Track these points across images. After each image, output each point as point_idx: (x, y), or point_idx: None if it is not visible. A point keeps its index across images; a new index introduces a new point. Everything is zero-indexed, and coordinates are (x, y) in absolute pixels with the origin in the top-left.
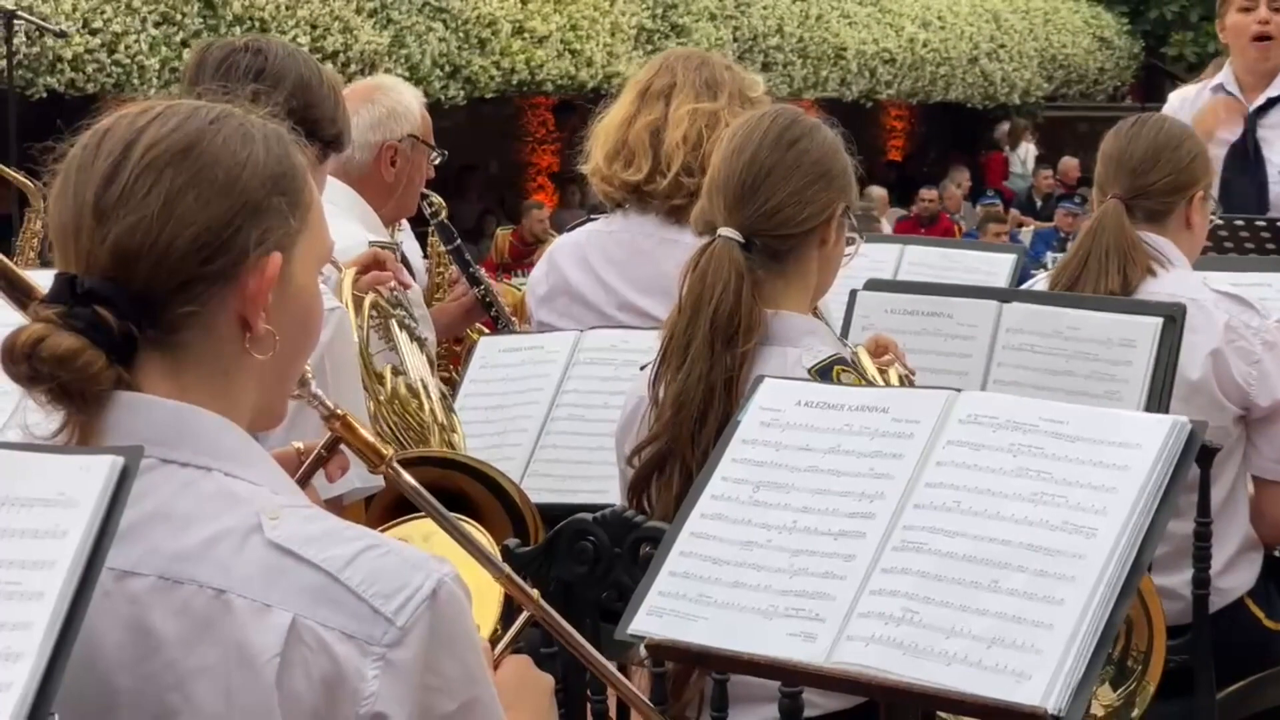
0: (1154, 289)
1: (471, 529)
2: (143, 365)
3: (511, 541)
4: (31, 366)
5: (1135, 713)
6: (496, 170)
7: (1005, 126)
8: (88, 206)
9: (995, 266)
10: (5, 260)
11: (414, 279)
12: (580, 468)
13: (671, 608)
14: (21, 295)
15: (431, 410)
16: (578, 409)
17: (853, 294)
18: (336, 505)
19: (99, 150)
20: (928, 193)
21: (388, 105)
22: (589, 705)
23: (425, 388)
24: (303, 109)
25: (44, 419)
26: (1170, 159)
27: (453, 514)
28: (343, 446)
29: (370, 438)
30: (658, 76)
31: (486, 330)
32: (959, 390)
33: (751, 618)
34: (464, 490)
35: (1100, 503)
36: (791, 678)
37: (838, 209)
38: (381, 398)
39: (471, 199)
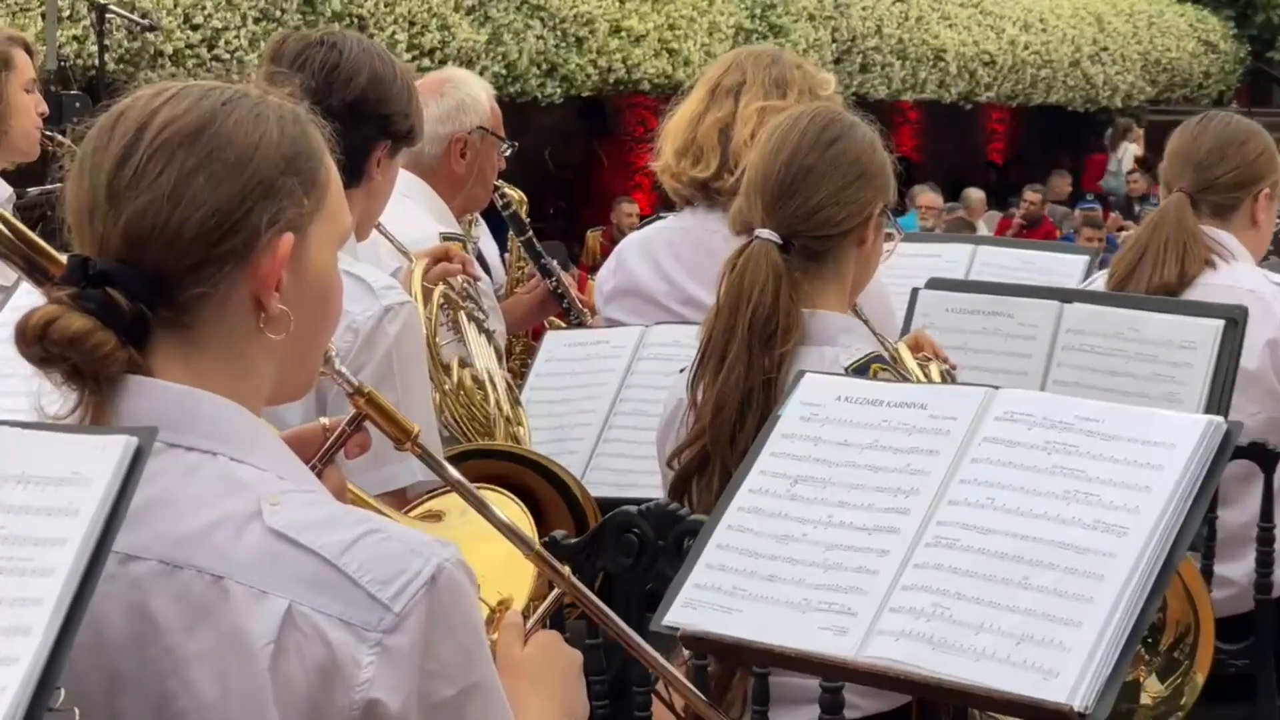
0: (1212, 280)
1: (507, 501)
2: (156, 347)
3: (559, 533)
4: (43, 348)
5: (1184, 701)
6: None
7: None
8: (101, 188)
9: (1068, 268)
10: (32, 238)
11: (490, 274)
12: (642, 462)
13: (706, 600)
14: (40, 275)
15: (497, 402)
16: (641, 404)
17: (914, 292)
18: (400, 497)
19: (113, 132)
20: (1031, 195)
21: (457, 98)
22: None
23: (492, 380)
24: (376, 104)
25: (58, 401)
26: (1237, 154)
27: (484, 486)
28: (368, 424)
29: (397, 415)
30: (727, 74)
31: (562, 323)
32: (997, 387)
33: (785, 611)
34: (526, 483)
35: (1133, 501)
36: (822, 671)
37: (876, 208)
38: (447, 388)
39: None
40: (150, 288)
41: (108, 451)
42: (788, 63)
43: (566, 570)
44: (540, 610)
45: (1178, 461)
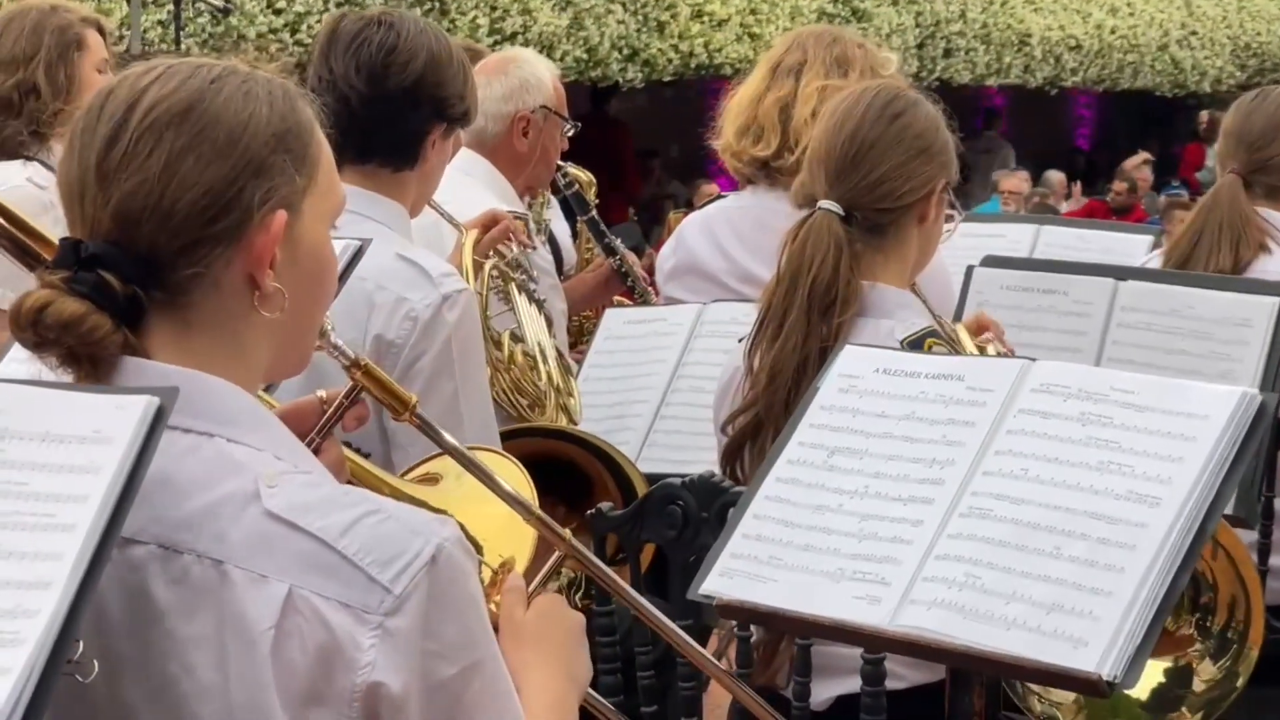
0: (1267, 267)
1: (507, 464)
2: (150, 328)
3: (605, 505)
4: (38, 332)
5: (1239, 681)
6: (677, 154)
7: (1204, 117)
8: (91, 170)
9: (1131, 248)
10: (22, 220)
11: (561, 255)
12: (698, 439)
13: (742, 569)
14: (30, 259)
15: (548, 374)
16: (698, 381)
17: (969, 270)
18: None
19: (102, 113)
20: (1119, 185)
21: (520, 77)
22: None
23: (543, 351)
24: (434, 86)
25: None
26: None
27: (477, 447)
28: (365, 396)
29: (394, 385)
30: (789, 53)
31: (628, 302)
32: (1034, 359)
33: (819, 580)
34: (574, 460)
35: (1165, 472)
36: (855, 640)
37: (938, 185)
38: (497, 360)
39: (652, 183)
40: (142, 269)
41: (129, 410)
42: (849, 42)
43: (567, 533)
44: (542, 573)
45: (1211, 433)
